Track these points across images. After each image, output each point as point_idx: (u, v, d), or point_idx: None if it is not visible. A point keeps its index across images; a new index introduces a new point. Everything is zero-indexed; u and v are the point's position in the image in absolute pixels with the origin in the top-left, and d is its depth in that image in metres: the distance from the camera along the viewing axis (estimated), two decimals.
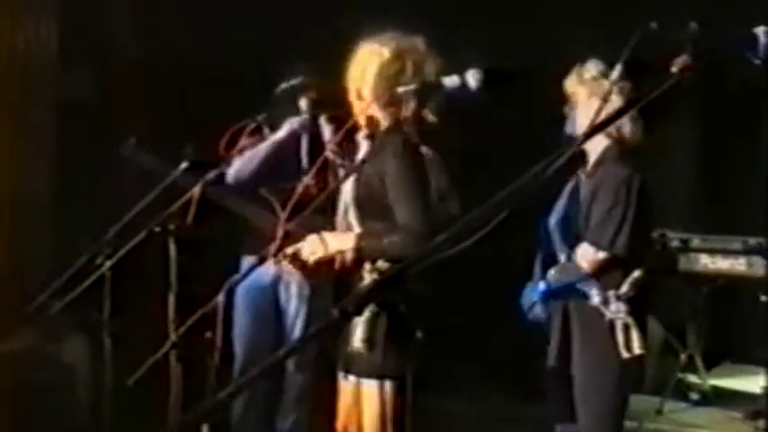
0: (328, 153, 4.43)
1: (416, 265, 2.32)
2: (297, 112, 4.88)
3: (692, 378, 6.03)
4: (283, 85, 4.91)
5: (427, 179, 3.66)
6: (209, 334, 3.13)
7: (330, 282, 4.67)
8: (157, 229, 3.67)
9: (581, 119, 4.11)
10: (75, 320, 4.88)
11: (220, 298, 3.07)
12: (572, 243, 4.13)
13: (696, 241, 5.92)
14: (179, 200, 3.79)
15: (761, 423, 5.30)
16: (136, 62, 6.09)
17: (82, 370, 5.48)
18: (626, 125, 4.12)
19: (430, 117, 3.71)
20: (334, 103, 3.97)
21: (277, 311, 5.09)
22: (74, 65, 5.87)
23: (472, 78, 3.52)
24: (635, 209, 4.03)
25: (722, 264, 5.80)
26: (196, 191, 3.79)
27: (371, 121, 3.65)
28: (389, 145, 3.66)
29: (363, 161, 3.62)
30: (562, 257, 4.17)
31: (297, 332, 5.00)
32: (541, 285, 4.17)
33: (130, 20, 6.10)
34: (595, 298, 4.04)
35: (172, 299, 3.57)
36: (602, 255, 4.05)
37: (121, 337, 3.73)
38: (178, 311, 3.51)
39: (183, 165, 4.08)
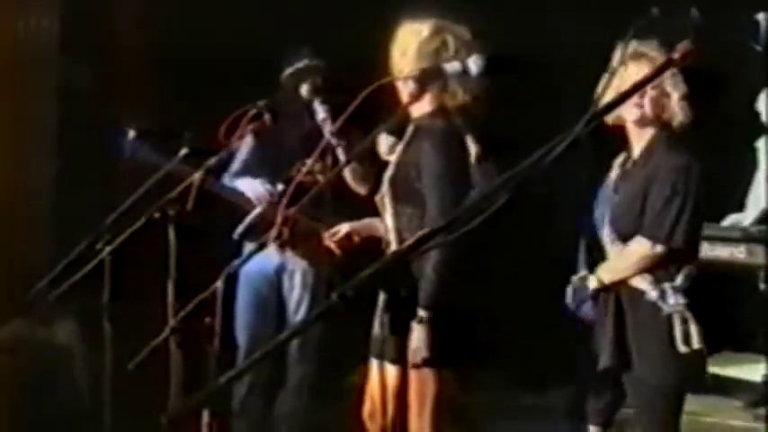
0: (330, 138, 4.43)
1: (414, 251, 2.31)
2: (299, 97, 4.87)
3: None
4: (288, 70, 4.91)
5: (464, 171, 3.65)
6: (208, 320, 3.13)
7: (335, 270, 4.69)
8: (157, 215, 3.67)
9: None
10: (75, 306, 4.88)
11: (219, 284, 3.07)
12: (625, 235, 3.96)
13: None
14: (179, 186, 3.78)
15: (761, 411, 5.29)
16: (137, 49, 6.07)
17: (82, 355, 5.48)
18: (674, 111, 3.98)
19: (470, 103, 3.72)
20: (339, 88, 3.97)
21: (280, 300, 5.08)
22: (75, 53, 5.86)
23: (473, 64, 3.52)
24: (694, 199, 3.87)
25: (722, 251, 5.79)
26: (196, 177, 3.78)
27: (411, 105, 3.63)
28: (428, 132, 3.67)
29: (365, 146, 3.62)
30: (613, 250, 4.01)
31: (299, 318, 5.00)
32: (593, 282, 4.01)
33: (131, 8, 6.09)
34: (652, 293, 3.89)
35: (171, 285, 3.57)
36: (659, 248, 3.88)
37: (121, 322, 3.73)
38: (177, 297, 3.51)
39: (183, 151, 4.08)
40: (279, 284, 5.08)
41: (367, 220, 4.09)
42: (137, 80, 6.08)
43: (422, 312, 3.60)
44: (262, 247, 3.32)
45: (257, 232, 4.32)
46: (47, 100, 5.87)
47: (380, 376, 3.51)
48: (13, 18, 5.72)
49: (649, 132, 3.98)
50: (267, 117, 4.09)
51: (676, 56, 2.56)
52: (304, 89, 4.86)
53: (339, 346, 4.97)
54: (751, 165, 5.60)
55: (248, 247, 4.90)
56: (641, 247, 3.91)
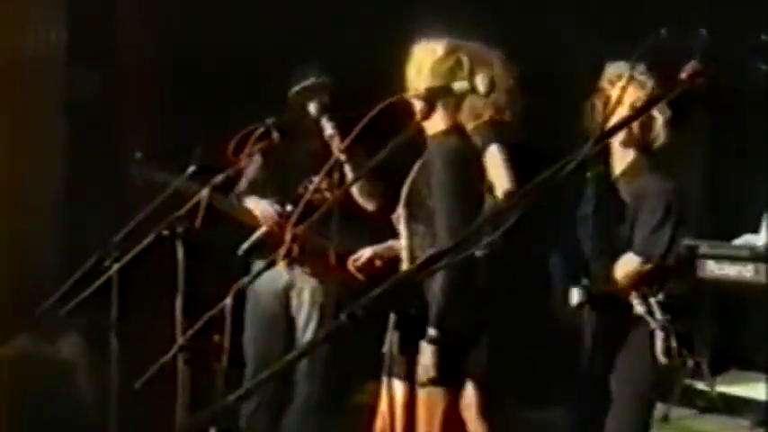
0: (338, 155, 4.44)
1: (424, 271, 2.32)
2: (306, 115, 4.88)
3: (699, 385, 6.01)
4: (295, 88, 4.92)
5: (475, 190, 3.66)
6: (217, 337, 3.13)
7: (344, 288, 4.69)
8: (165, 232, 3.67)
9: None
10: (83, 323, 4.89)
11: (228, 301, 3.07)
12: (613, 252, 4.11)
13: (704, 248, 5.90)
14: (187, 203, 3.79)
15: None
16: (144, 64, 6.09)
17: (89, 372, 5.48)
18: (658, 134, 4.16)
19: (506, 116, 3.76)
20: (346, 106, 3.98)
21: (288, 317, 5.08)
22: (82, 66, 5.88)
23: (481, 84, 3.53)
24: (684, 220, 4.10)
25: (729, 270, 5.78)
26: (204, 194, 3.79)
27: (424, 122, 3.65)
28: (441, 150, 3.68)
29: (373, 164, 3.63)
30: (597, 264, 4.13)
31: (308, 338, 4.99)
32: (577, 295, 4.10)
33: (139, 21, 6.10)
34: (639, 307, 4.03)
35: (179, 302, 3.57)
36: (649, 266, 4.05)
37: (129, 339, 3.73)
38: (186, 315, 3.51)
39: (191, 168, 4.09)
40: (287, 302, 5.08)
41: (388, 243, 4.13)
42: (144, 94, 6.10)
43: (431, 331, 3.61)
44: (271, 264, 3.32)
45: (263, 250, 4.33)
46: (54, 114, 5.88)
47: (390, 394, 3.51)
48: (21, 31, 5.75)
49: (631, 153, 4.15)
50: (275, 135, 4.10)
51: (683, 76, 2.57)
52: (312, 107, 4.87)
53: (346, 364, 4.97)
54: None
55: (257, 264, 4.92)
56: (632, 264, 4.06)
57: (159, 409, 3.53)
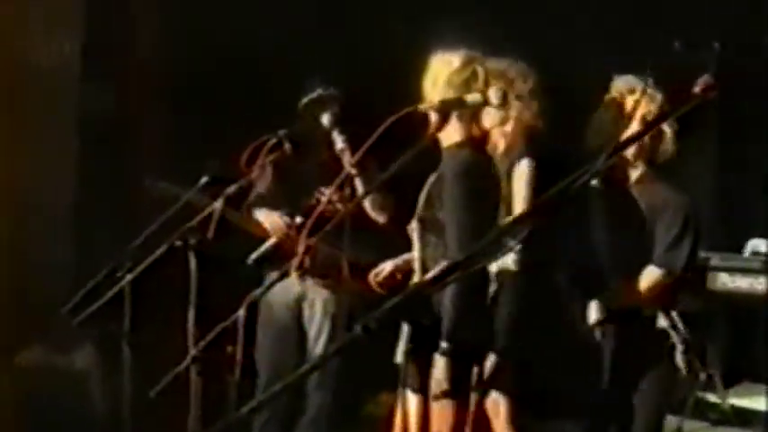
0: (349, 168, 4.44)
1: (438, 283, 2.32)
2: (319, 126, 4.88)
3: (712, 398, 5.99)
4: (304, 100, 4.92)
5: (487, 203, 3.67)
6: (230, 348, 3.14)
7: (356, 299, 4.70)
8: (178, 243, 3.68)
9: None
10: (96, 333, 4.90)
11: (241, 312, 3.07)
12: (628, 264, 4.10)
13: (716, 260, 5.89)
14: (200, 214, 3.80)
15: None
16: (158, 77, 6.11)
17: (102, 383, 5.48)
18: (665, 147, 4.17)
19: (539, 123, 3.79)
20: (358, 118, 3.99)
21: (300, 328, 5.08)
22: (97, 79, 5.90)
23: (494, 96, 3.54)
24: (700, 232, 4.13)
25: (741, 282, 5.77)
26: (217, 205, 3.80)
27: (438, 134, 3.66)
28: (454, 162, 3.69)
29: (385, 177, 3.64)
30: (616, 278, 4.13)
31: (319, 349, 4.99)
32: (595, 310, 4.10)
33: (153, 35, 6.12)
34: (662, 321, 4.05)
35: (192, 313, 3.57)
36: (672, 277, 4.06)
37: (141, 350, 3.74)
38: (198, 325, 3.51)
39: (204, 179, 4.10)
40: (299, 313, 5.07)
41: (406, 256, 4.13)
42: (158, 107, 6.11)
43: (443, 344, 3.61)
44: (284, 275, 3.33)
45: (275, 261, 4.34)
46: (68, 127, 5.90)
47: (403, 406, 3.52)
48: (35, 45, 5.77)
49: (639, 165, 4.16)
50: (287, 146, 4.11)
51: (697, 90, 2.56)
52: (325, 118, 4.86)
53: (358, 375, 4.96)
54: None
55: (269, 275, 4.93)
56: (655, 276, 4.07)
57: (171, 420, 3.53)
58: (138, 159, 5.46)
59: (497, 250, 2.30)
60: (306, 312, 5.06)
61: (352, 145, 4.68)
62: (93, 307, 3.77)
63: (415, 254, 3.84)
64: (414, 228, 3.83)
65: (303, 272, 4.53)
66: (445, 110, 3.61)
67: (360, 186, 4.63)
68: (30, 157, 5.63)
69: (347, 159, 4.68)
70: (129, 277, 3.72)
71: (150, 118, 6.07)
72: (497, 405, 4.03)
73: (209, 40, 5.69)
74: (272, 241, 4.30)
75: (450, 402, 3.65)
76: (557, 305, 4.18)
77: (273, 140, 4.67)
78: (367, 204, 4.85)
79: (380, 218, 4.87)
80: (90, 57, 5.82)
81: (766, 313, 5.83)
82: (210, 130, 5.64)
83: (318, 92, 4.90)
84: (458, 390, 3.62)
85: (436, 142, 3.72)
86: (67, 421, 5.28)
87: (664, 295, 4.08)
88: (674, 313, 4.06)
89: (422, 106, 3.64)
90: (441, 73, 3.74)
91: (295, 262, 3.18)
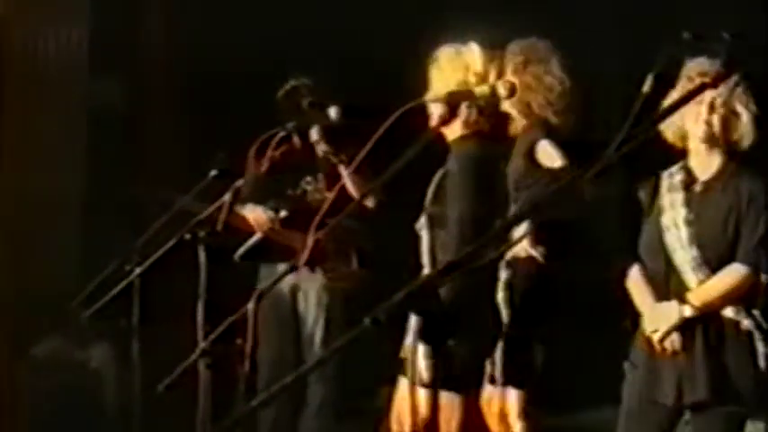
0: (333, 160, 4.43)
1: (446, 276, 2.31)
2: (301, 114, 4.84)
3: None
4: (280, 92, 4.90)
5: (489, 196, 3.66)
6: (240, 341, 3.13)
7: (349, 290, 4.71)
8: (187, 237, 3.67)
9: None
10: (105, 327, 4.90)
11: (251, 305, 3.07)
12: (713, 262, 3.85)
13: None
14: (209, 207, 3.79)
15: None
16: (166, 68, 6.11)
17: (111, 376, 5.49)
18: (743, 133, 3.87)
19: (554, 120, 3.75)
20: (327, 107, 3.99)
21: (296, 319, 5.10)
22: (104, 71, 5.90)
23: (503, 88, 3.52)
24: None
25: None
26: (227, 198, 3.79)
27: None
28: (458, 156, 3.69)
29: (393, 173, 3.63)
30: (696, 278, 3.87)
31: (317, 340, 5.02)
32: (687, 310, 3.82)
33: (161, 26, 6.12)
34: (746, 321, 3.80)
35: (201, 306, 3.57)
36: (763, 277, 3.81)
37: (151, 343, 3.74)
38: (207, 319, 3.51)
39: (213, 172, 4.09)
40: (294, 304, 5.09)
41: None
42: (166, 99, 6.11)
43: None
44: (293, 269, 3.32)
45: (262, 255, 4.34)
46: (76, 118, 5.90)
47: (412, 399, 3.51)
48: (43, 36, 5.77)
49: (718, 154, 3.89)
50: (296, 140, 4.10)
51: (707, 80, 2.55)
52: (304, 104, 4.81)
53: (360, 367, 4.97)
54: None
55: (263, 268, 4.96)
56: (739, 275, 3.82)
57: (180, 413, 3.54)
58: (146, 152, 5.45)
59: (503, 243, 2.30)
60: (300, 303, 5.07)
61: (326, 135, 4.66)
62: (103, 301, 3.77)
63: (424, 248, 3.85)
64: (422, 224, 3.84)
65: (313, 266, 4.54)
66: (453, 102, 3.60)
67: (345, 175, 4.60)
68: (38, 150, 5.64)
69: (321, 149, 4.68)
70: (138, 271, 3.72)
71: (158, 109, 6.07)
72: (499, 399, 4.00)
73: (219, 30, 5.69)
74: (257, 236, 4.29)
75: (456, 395, 3.65)
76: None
77: (282, 134, 4.67)
78: (354, 192, 4.80)
79: (369, 202, 4.86)
80: (96, 47, 5.81)
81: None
82: (219, 121, 5.64)
83: (292, 83, 4.89)
84: (440, 380, 3.60)
85: (441, 136, 3.71)
86: (77, 414, 5.29)
87: (746, 294, 3.82)
88: (756, 312, 3.81)
89: (429, 98, 3.64)
90: (447, 66, 3.73)
91: (304, 256, 3.18)
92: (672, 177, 3.98)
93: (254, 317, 3.00)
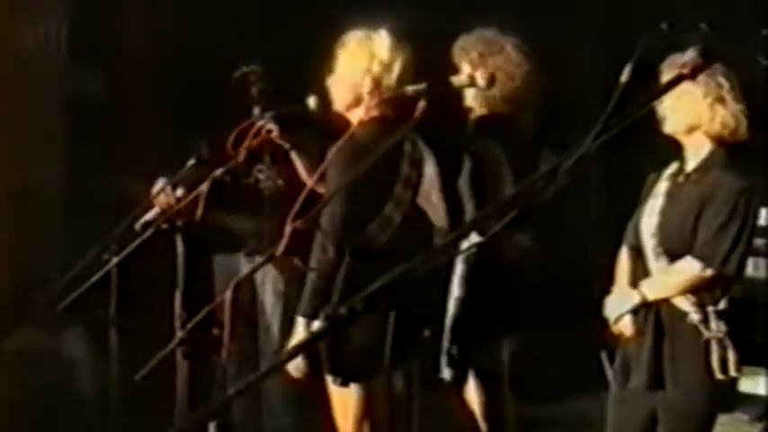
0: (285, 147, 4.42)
1: (423, 266, 2.32)
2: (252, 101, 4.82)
3: None
4: (236, 73, 4.88)
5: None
6: (216, 331, 3.13)
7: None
8: (165, 226, 3.67)
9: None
10: (83, 317, 4.89)
11: (228, 294, 3.07)
12: (672, 252, 3.83)
13: None
14: (187, 196, 3.79)
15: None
16: (145, 60, 6.09)
17: (88, 366, 5.48)
18: (736, 124, 3.82)
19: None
20: (278, 94, 4.00)
21: (254, 307, 5.10)
22: (83, 63, 5.88)
23: (481, 78, 3.53)
24: (750, 225, 3.77)
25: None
26: (204, 188, 3.78)
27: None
28: (353, 138, 3.70)
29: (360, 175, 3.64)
30: (657, 266, 3.87)
31: (274, 329, 5.02)
32: (635, 297, 3.87)
33: (140, 18, 6.10)
34: (693, 315, 3.78)
35: (179, 295, 3.57)
36: (710, 272, 3.76)
37: (128, 333, 3.74)
38: (185, 308, 3.51)
39: (191, 162, 4.09)
40: (253, 293, 5.09)
41: None
42: (145, 90, 6.09)
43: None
44: (270, 259, 3.30)
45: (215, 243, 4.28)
46: (55, 110, 5.88)
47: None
48: (21, 28, 5.74)
49: (706, 147, 3.86)
50: (275, 128, 4.09)
51: (685, 71, 2.55)
52: (253, 92, 4.78)
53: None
54: None
55: (218, 258, 4.97)
56: (691, 268, 3.79)
57: (158, 402, 3.53)
58: (126, 143, 5.43)
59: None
60: (258, 291, 5.07)
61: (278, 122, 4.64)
62: (80, 290, 3.76)
63: None
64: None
65: (290, 255, 4.52)
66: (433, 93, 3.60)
67: (296, 160, 4.56)
68: (16, 141, 5.61)
69: (275, 136, 4.65)
70: (115, 260, 3.71)
71: (138, 101, 6.05)
72: (477, 390, 4.02)
73: (197, 21, 5.67)
74: (155, 210, 4.21)
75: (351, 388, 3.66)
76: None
77: (260, 123, 4.66)
78: (303, 175, 4.75)
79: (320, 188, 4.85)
80: (75, 38, 5.79)
81: (751, 296, 5.84)
82: (200, 113, 5.62)
83: (243, 69, 4.86)
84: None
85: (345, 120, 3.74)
86: (55, 404, 5.27)
87: (701, 289, 3.78)
88: (710, 309, 3.77)
89: (409, 88, 3.63)
90: (359, 50, 3.77)
91: (282, 245, 3.17)
92: (667, 168, 3.99)
93: (230, 306, 3.01)
